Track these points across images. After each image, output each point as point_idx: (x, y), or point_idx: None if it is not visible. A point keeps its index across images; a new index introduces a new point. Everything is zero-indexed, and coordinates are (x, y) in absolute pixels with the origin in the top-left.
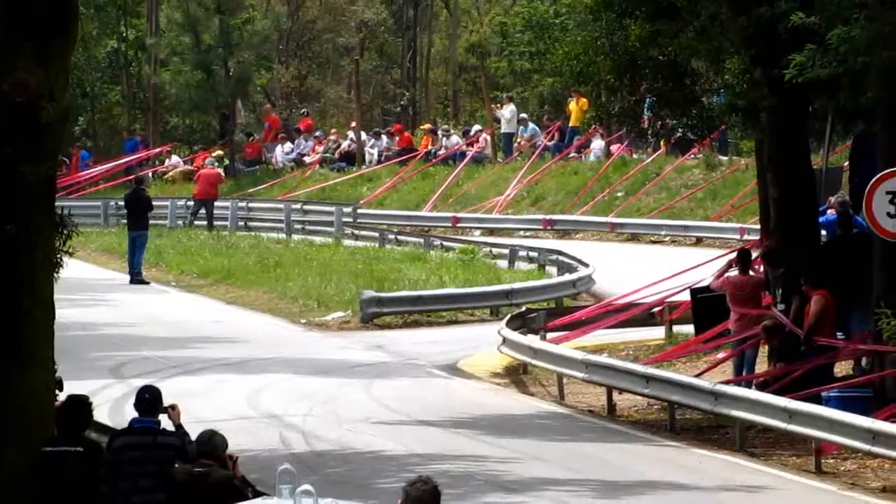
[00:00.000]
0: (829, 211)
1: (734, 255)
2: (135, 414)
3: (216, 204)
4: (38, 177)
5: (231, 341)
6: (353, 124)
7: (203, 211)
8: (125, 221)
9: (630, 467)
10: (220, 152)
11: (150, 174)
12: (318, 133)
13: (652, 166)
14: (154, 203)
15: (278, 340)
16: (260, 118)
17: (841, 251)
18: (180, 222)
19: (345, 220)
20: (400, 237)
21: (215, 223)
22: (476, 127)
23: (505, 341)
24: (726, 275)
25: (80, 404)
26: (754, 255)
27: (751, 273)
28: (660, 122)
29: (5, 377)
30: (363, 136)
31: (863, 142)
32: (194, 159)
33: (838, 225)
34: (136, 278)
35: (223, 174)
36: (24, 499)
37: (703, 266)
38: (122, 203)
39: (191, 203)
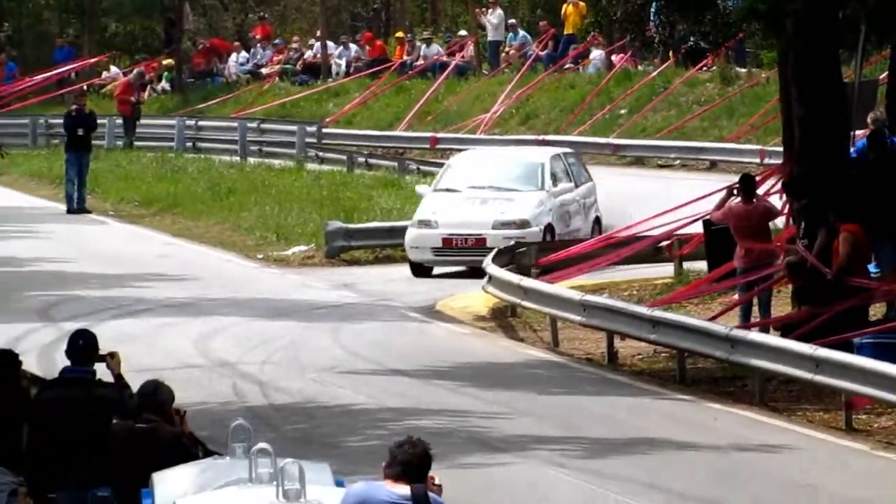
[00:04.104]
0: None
1: (736, 180)
2: (67, 362)
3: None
4: None
5: (178, 279)
6: (318, 32)
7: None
8: (56, 142)
9: (633, 424)
10: (168, 61)
11: (85, 87)
12: (277, 41)
13: (659, 80)
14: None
15: (232, 278)
16: (212, 25)
17: (875, 176)
18: (119, 143)
19: (308, 140)
20: (371, 160)
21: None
22: (460, 34)
23: (491, 279)
24: (728, 204)
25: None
26: (773, 182)
27: (755, 201)
28: (668, 29)
29: None
30: (329, 44)
31: None
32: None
33: (869, 147)
34: (80, 206)
35: (131, 85)
36: None
37: (719, 193)
38: (56, 121)
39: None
